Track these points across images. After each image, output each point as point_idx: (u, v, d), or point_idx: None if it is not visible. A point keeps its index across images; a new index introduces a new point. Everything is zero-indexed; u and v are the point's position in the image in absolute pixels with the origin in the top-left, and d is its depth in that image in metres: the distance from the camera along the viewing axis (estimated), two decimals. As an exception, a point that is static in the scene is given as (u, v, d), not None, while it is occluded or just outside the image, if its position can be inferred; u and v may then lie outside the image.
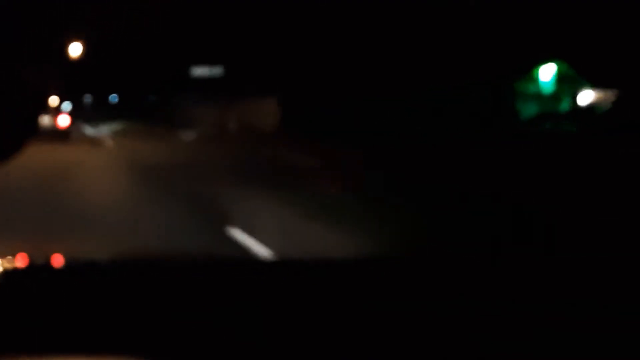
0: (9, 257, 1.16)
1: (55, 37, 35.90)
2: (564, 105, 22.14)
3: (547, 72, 23.23)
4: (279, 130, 22.51)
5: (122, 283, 1.03)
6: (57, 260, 1.26)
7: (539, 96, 23.09)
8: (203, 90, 28.03)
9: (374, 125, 18.80)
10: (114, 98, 44.68)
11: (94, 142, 20.20)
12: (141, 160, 14.14)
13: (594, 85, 20.50)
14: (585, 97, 21.11)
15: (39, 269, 1.15)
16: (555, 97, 22.83)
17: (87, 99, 47.73)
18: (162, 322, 0.88)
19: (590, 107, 20.78)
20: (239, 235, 6.11)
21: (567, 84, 21.99)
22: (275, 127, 23.22)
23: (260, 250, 5.52)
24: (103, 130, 28.47)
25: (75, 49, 39.25)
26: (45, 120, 22.03)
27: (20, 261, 1.20)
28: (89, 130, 29.79)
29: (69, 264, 1.23)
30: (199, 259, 1.48)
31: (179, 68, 29.28)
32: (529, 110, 22.73)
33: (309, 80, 22.60)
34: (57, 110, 24.29)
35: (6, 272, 1.06)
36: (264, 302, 0.96)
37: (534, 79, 23.53)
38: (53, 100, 32.12)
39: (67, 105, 44.10)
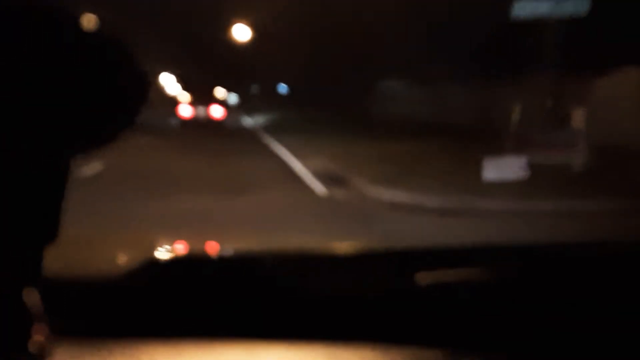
0: (169, 244, 1.20)
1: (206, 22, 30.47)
2: None
3: None
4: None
5: (280, 277, 0.98)
6: (213, 249, 1.23)
7: None
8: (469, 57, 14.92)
9: None
10: (283, 88, 37.28)
11: (265, 154, 11.71)
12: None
13: None
14: None
15: (196, 257, 1.13)
16: None
17: (255, 89, 41.49)
18: (318, 314, 0.89)
19: None
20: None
21: None
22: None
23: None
24: (275, 130, 19.41)
25: (241, 33, 33.72)
26: (200, 110, 21.53)
27: (180, 249, 1.21)
28: (247, 121, 25.23)
29: (225, 253, 1.21)
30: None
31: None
32: None
33: None
34: (218, 101, 23.13)
35: (168, 259, 1.06)
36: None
37: None
38: (219, 91, 29.22)
39: (231, 97, 39.67)
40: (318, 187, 7.27)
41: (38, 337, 0.51)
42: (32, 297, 0.50)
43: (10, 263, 0.49)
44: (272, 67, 33.91)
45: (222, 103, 23.63)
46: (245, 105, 36.60)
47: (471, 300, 0.92)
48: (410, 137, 12.66)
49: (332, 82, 26.62)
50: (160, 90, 36.74)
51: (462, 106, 16.54)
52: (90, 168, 7.33)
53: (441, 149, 10.65)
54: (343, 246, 1.22)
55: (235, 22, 31.49)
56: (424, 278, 0.94)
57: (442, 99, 18.31)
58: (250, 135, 16.51)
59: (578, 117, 8.37)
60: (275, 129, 17.10)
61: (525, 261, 1.01)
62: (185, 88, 26.06)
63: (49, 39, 0.47)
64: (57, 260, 0.54)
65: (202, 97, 22.44)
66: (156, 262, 1.03)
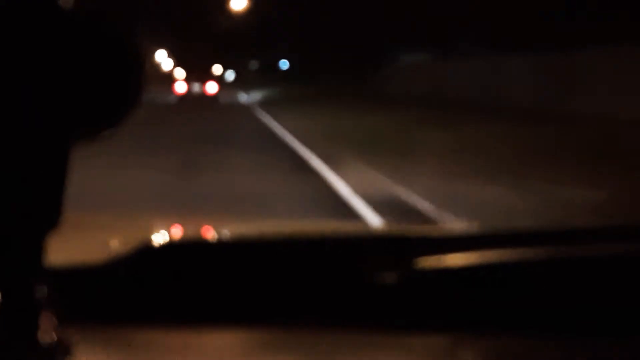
0: (165, 229, 1.19)
1: None
2: None
3: None
4: None
5: (275, 260, 0.93)
6: (209, 233, 1.20)
7: None
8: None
9: None
10: (284, 64, 34.58)
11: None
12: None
13: None
14: None
15: (192, 240, 1.10)
16: None
17: (254, 65, 38.99)
18: (314, 300, 0.86)
19: None
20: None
21: None
22: None
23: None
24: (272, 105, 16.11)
25: (239, 4, 31.26)
26: (195, 87, 22.81)
27: (176, 233, 1.20)
28: (243, 98, 23.42)
29: (220, 237, 1.15)
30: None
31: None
32: None
33: None
34: (217, 79, 24.78)
35: (163, 243, 1.03)
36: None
37: None
38: (216, 69, 31.24)
39: (230, 74, 38.03)
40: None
41: (46, 326, 0.50)
42: (37, 286, 0.50)
43: (14, 251, 0.49)
44: (272, 42, 31.43)
45: (219, 80, 25.39)
46: (244, 82, 34.22)
47: (474, 286, 0.87)
48: (463, 125, 8.92)
49: (339, 55, 23.78)
50: (156, 68, 35.23)
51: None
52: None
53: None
54: (345, 228, 1.26)
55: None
56: (426, 263, 0.88)
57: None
58: (258, 127, 11.81)
59: None
60: (286, 116, 13.64)
61: (531, 246, 0.92)
62: (181, 65, 27.70)
63: (44, 25, 0.46)
64: (57, 245, 0.54)
65: (198, 74, 23.95)
66: (153, 247, 0.98)
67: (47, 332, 0.50)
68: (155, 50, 36.13)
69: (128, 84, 0.49)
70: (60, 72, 0.46)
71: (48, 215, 0.49)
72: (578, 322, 0.81)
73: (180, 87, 22.82)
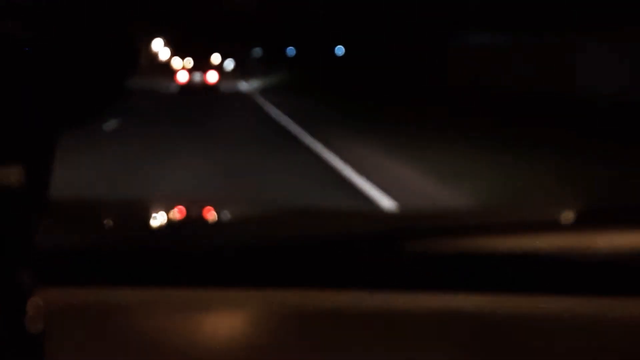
0: (167, 210, 1.19)
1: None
2: None
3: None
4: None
5: (272, 243, 0.93)
6: (210, 214, 1.21)
7: None
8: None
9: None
10: (291, 51, 32.75)
11: None
12: None
13: None
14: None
15: (193, 221, 1.15)
16: None
17: (257, 53, 37.26)
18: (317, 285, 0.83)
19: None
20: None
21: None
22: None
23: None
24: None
25: None
26: (196, 76, 22.87)
27: (178, 214, 1.21)
28: (243, 86, 24.67)
29: (221, 218, 1.19)
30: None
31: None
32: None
33: None
34: (216, 68, 24.40)
35: (165, 223, 1.08)
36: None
37: None
38: (215, 58, 29.49)
39: (229, 63, 36.99)
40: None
41: (34, 312, 0.50)
42: (25, 272, 0.49)
43: (1, 239, 0.48)
44: (276, 28, 29.67)
45: (219, 69, 24.80)
46: (245, 71, 32.57)
47: (478, 269, 0.84)
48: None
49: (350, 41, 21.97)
50: (153, 57, 33.91)
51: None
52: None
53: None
54: (343, 209, 1.46)
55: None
56: (436, 245, 0.87)
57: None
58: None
59: None
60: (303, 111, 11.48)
61: (539, 233, 0.91)
62: (179, 54, 26.55)
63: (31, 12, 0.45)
64: (56, 228, 0.50)
65: (196, 64, 23.35)
66: (152, 228, 0.99)
67: (34, 319, 0.48)
68: (152, 39, 34.50)
69: (116, 79, 0.46)
70: (48, 62, 0.44)
71: (35, 202, 0.47)
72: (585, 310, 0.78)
73: (182, 77, 23.18)
